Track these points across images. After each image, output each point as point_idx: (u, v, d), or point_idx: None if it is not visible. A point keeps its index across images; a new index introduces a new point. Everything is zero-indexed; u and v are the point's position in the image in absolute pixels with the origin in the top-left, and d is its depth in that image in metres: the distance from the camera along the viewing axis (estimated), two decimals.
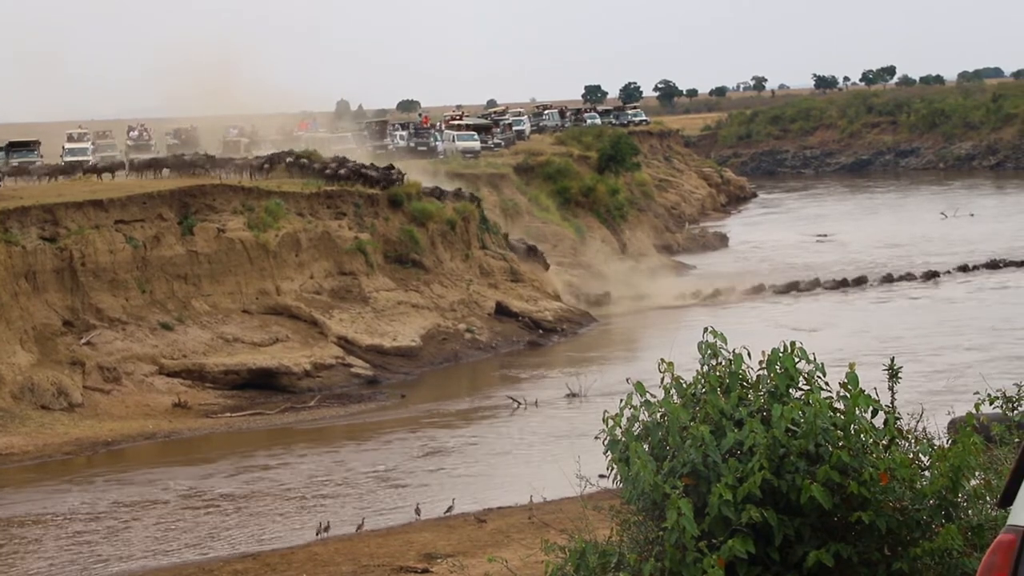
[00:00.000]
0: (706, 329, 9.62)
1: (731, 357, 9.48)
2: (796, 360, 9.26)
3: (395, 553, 27.99)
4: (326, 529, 30.92)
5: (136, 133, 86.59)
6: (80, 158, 69.35)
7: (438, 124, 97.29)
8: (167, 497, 35.91)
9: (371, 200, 59.03)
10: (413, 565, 26.73)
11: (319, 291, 54.30)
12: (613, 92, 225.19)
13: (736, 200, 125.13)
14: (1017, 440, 10.62)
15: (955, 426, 9.84)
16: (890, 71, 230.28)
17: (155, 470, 38.79)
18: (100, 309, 47.45)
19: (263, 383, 48.14)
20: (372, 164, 62.64)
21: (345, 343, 51.53)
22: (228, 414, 45.25)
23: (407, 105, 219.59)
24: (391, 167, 62.28)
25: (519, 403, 45.76)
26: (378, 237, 57.87)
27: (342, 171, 59.99)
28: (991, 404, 10.87)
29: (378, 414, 45.63)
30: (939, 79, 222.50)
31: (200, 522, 33.47)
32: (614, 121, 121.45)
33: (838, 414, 8.99)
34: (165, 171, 59.68)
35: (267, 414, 45.47)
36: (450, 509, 32.25)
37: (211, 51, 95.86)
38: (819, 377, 9.26)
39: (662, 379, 9.53)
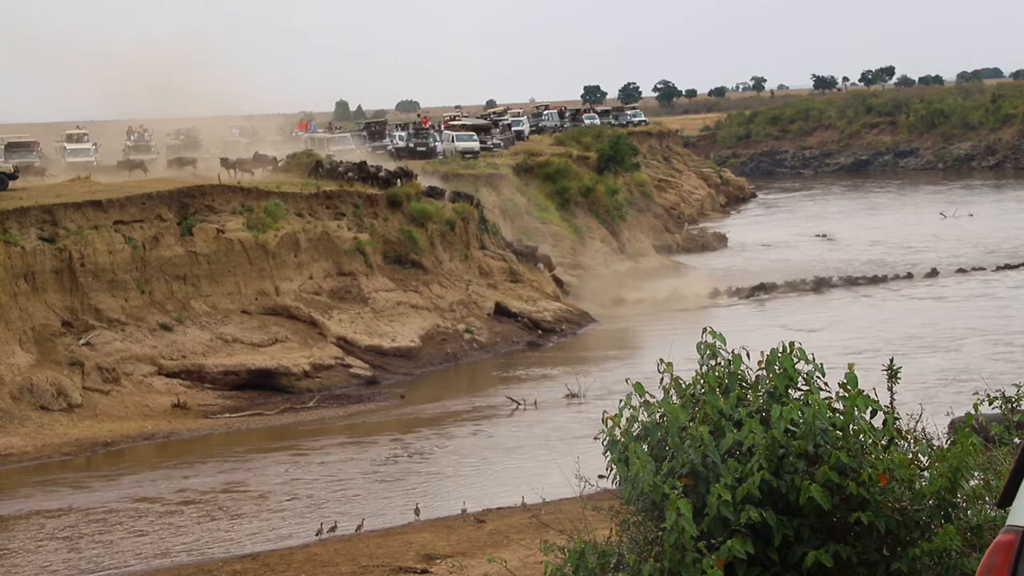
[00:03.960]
0: (705, 329, 9.63)
1: (730, 358, 9.49)
2: (795, 360, 9.27)
3: (394, 553, 27.98)
4: (332, 529, 30.93)
5: (136, 135, 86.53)
6: (82, 158, 69.32)
7: (437, 125, 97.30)
8: (166, 497, 35.89)
9: (370, 200, 59.03)
10: (412, 565, 26.72)
11: (318, 291, 54.28)
12: (612, 92, 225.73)
13: (735, 200, 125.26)
14: (1016, 440, 10.62)
15: (955, 426, 9.85)
16: (889, 71, 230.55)
17: (154, 471, 38.78)
18: (99, 310, 47.42)
19: (262, 384, 48.11)
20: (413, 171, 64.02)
21: (344, 343, 51.51)
22: (227, 415, 45.23)
23: (406, 105, 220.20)
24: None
25: (518, 403, 45.74)
26: (377, 237, 57.85)
27: (381, 174, 61.42)
28: (990, 405, 10.88)
29: (377, 414, 45.63)
30: (938, 79, 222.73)
31: (199, 523, 33.45)
32: (613, 121, 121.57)
33: (837, 414, 9.00)
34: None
35: (266, 415, 45.45)
36: (464, 511, 32.18)
37: (160, 50, 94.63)
38: (818, 377, 9.27)
39: (661, 380, 9.54)
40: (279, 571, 27.57)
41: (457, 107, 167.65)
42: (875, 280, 70.66)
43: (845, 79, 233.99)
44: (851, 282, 70.17)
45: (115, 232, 49.10)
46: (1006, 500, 5.70)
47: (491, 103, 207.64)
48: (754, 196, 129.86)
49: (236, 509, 34.68)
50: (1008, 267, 73.35)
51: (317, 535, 30.80)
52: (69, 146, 74.47)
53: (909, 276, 71.60)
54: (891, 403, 9.85)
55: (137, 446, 41.63)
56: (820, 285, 69.41)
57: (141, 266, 49.34)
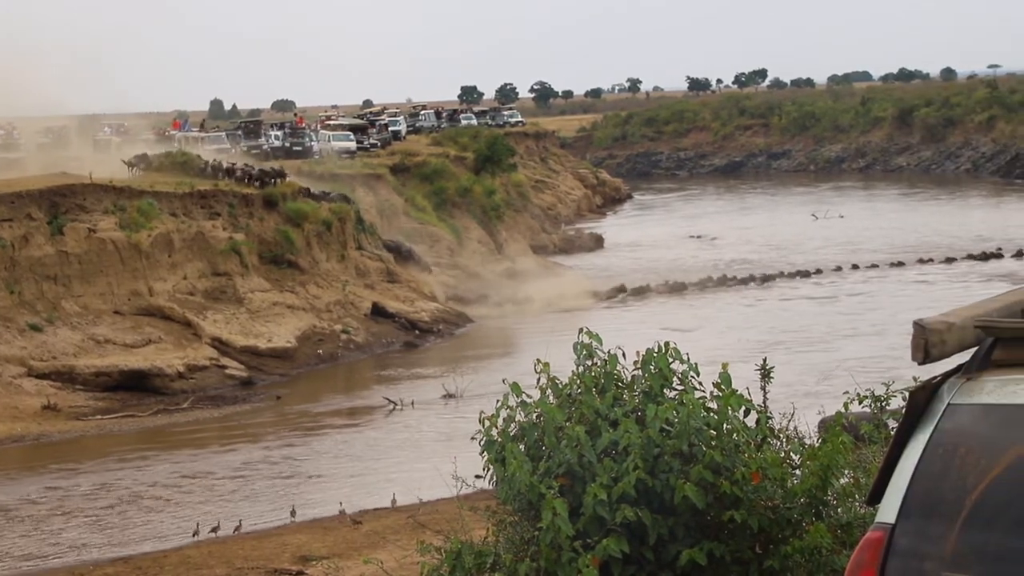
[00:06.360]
0: (581, 329, 9.67)
1: (606, 358, 9.53)
2: (670, 360, 9.33)
3: (270, 555, 27.82)
4: (215, 530, 30.64)
5: (4, 132, 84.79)
6: None
7: (314, 124, 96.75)
8: (36, 501, 35.28)
9: (246, 200, 58.54)
10: (288, 567, 26.59)
11: (193, 292, 53.70)
12: (489, 93, 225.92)
13: (612, 201, 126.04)
14: (885, 439, 10.79)
15: (825, 425, 9.98)
16: (762, 74, 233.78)
17: (23, 473, 38.10)
18: None
19: (135, 385, 47.46)
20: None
21: (219, 344, 51.01)
22: (99, 416, 44.56)
23: (282, 104, 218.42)
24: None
25: (395, 404, 45.65)
26: (253, 237, 57.38)
27: (255, 172, 61.38)
28: (860, 403, 11.03)
29: (253, 416, 45.26)
30: (809, 82, 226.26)
31: (70, 526, 32.95)
32: (490, 122, 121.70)
33: (711, 414, 9.06)
34: None
35: (139, 416, 44.86)
36: (340, 512, 32.05)
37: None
38: (693, 377, 9.33)
39: (538, 379, 9.56)
40: (152, 574, 27.30)
41: (333, 106, 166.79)
42: (749, 280, 71.49)
43: (719, 81, 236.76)
44: (725, 282, 70.91)
45: None
46: (875, 498, 5.78)
47: (368, 103, 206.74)
48: (630, 197, 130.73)
49: (107, 512, 34.19)
50: (874, 266, 74.79)
51: (194, 535, 30.51)
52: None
53: (782, 275, 72.60)
54: (764, 402, 9.96)
55: (5, 448, 40.83)
56: (695, 285, 70.04)
57: (10, 266, 48.44)
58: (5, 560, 30.33)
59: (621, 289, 68.88)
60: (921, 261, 75.87)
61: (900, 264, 75.32)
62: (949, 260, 75.70)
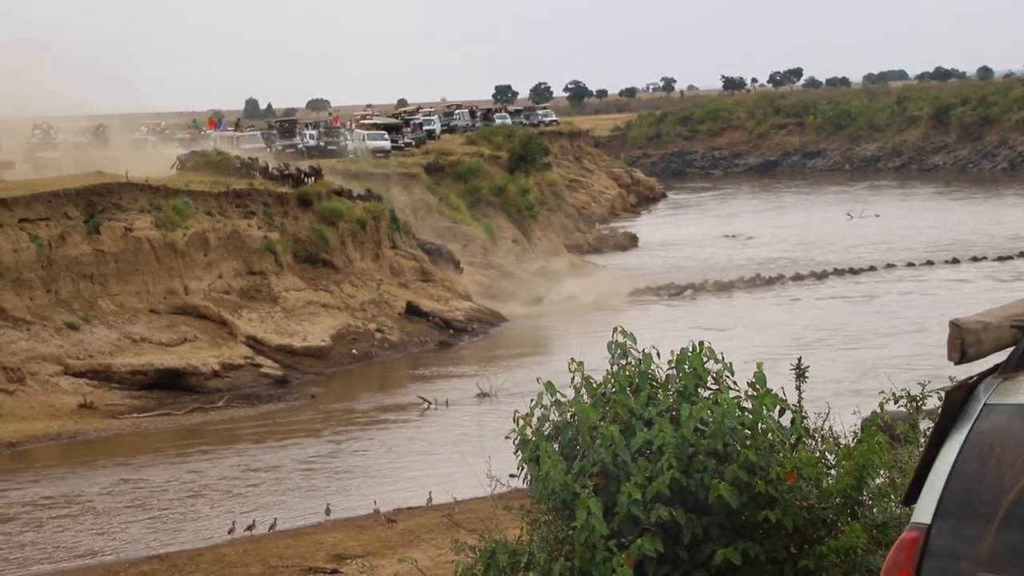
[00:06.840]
0: (616, 329, 9.66)
1: (640, 357, 9.52)
2: (704, 360, 9.32)
3: (304, 554, 27.88)
4: (250, 527, 30.71)
5: (41, 132, 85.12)
6: None
7: (348, 123, 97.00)
8: (72, 498, 35.46)
9: (281, 199, 58.69)
10: (323, 566, 26.64)
11: (228, 291, 53.87)
12: (523, 92, 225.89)
13: (646, 200, 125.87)
14: (921, 439, 10.75)
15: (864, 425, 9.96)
16: (797, 73, 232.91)
17: (61, 471, 38.30)
18: (4, 309, 46.69)
19: (171, 383, 47.61)
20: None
21: (254, 343, 51.15)
22: (135, 415, 44.74)
23: (317, 104, 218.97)
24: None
25: (429, 403, 45.68)
26: (288, 236, 57.52)
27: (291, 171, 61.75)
28: (896, 403, 10.99)
29: (288, 414, 45.37)
30: (845, 81, 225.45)
31: (106, 524, 33.10)
32: (524, 121, 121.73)
33: (746, 413, 9.06)
34: None
35: (175, 415, 45.02)
36: (375, 511, 32.08)
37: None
38: (727, 376, 9.32)
39: (572, 379, 9.56)
40: (187, 572, 27.38)
41: (368, 106, 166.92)
42: (784, 279, 71.23)
43: (754, 80, 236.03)
44: (760, 281, 70.67)
45: (20, 230, 48.40)
46: (911, 498, 5.76)
47: (402, 102, 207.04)
48: (664, 196, 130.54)
49: (144, 510, 34.34)
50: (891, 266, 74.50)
51: (230, 533, 30.58)
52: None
53: (816, 275, 72.32)
54: (799, 402, 9.94)
55: (42, 446, 41.08)
56: (729, 284, 69.84)
57: (47, 265, 48.68)
58: (44, 556, 30.49)
59: (655, 288, 68.76)
60: (975, 259, 75.39)
61: (955, 262, 74.83)
62: (1002, 259, 75.15)
